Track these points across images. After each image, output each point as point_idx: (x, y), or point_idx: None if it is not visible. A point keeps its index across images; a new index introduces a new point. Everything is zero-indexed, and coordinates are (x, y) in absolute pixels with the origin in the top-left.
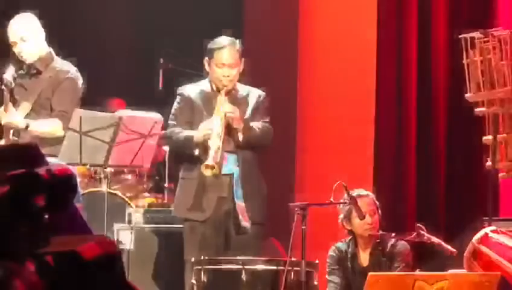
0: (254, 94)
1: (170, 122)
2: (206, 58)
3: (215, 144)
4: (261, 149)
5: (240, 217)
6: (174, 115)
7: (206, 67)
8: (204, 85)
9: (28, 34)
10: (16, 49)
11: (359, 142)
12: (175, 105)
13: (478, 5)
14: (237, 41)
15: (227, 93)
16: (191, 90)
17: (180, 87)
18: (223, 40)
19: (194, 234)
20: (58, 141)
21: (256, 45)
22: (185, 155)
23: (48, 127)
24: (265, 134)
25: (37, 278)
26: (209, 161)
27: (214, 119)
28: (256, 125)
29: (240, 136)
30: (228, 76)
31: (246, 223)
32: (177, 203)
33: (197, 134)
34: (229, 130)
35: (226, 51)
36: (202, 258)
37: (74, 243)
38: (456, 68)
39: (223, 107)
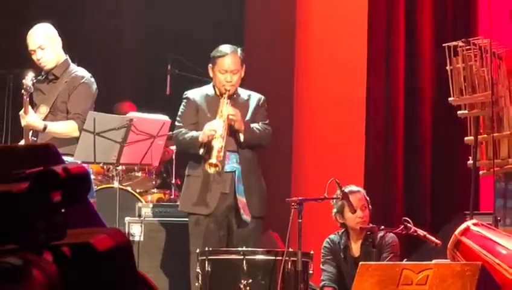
0: (255, 98)
1: (177, 123)
2: (210, 65)
3: (218, 144)
4: (260, 148)
5: (241, 211)
6: (181, 117)
7: (210, 73)
8: (208, 90)
9: (46, 42)
10: (34, 57)
11: (351, 143)
12: (181, 108)
13: (461, 15)
14: (239, 49)
15: (230, 97)
16: (196, 94)
17: (186, 92)
18: (225, 48)
19: (199, 227)
20: (73, 141)
21: (256, 53)
22: (191, 154)
23: (64, 128)
24: (265, 135)
25: (54, 267)
26: (213, 160)
27: (217, 121)
28: (256, 126)
29: (241, 137)
30: (230, 81)
31: (246, 217)
32: (183, 199)
33: (201, 135)
34: (231, 131)
35: (228, 58)
36: (206, 249)
37: (88, 235)
38: (440, 74)
39: (226, 109)
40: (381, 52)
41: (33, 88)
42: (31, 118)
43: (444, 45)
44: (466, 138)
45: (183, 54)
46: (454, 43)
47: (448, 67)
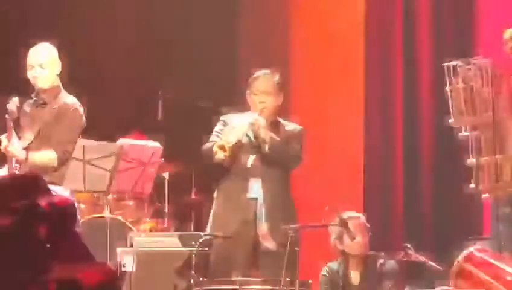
0: (292, 126)
1: (208, 141)
2: (248, 91)
3: (234, 137)
4: (287, 168)
5: (261, 239)
6: (213, 135)
7: (248, 99)
8: (245, 114)
9: (47, 62)
10: (30, 73)
11: (350, 168)
12: (216, 128)
13: (461, 33)
14: (276, 74)
15: (266, 121)
16: (232, 118)
17: (223, 116)
18: (259, 72)
19: (222, 253)
20: (53, 169)
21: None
22: (218, 178)
23: (42, 159)
24: (292, 155)
25: None
26: (222, 142)
27: (241, 123)
28: (285, 144)
29: (265, 147)
30: (264, 102)
31: (268, 244)
32: (210, 222)
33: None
34: (256, 140)
35: (260, 79)
36: (201, 279)
37: (75, 270)
38: (440, 95)
39: (251, 115)
40: (377, 79)
41: (21, 111)
42: (13, 147)
43: (443, 64)
44: (468, 161)
45: (175, 79)
46: (453, 63)
47: (447, 88)
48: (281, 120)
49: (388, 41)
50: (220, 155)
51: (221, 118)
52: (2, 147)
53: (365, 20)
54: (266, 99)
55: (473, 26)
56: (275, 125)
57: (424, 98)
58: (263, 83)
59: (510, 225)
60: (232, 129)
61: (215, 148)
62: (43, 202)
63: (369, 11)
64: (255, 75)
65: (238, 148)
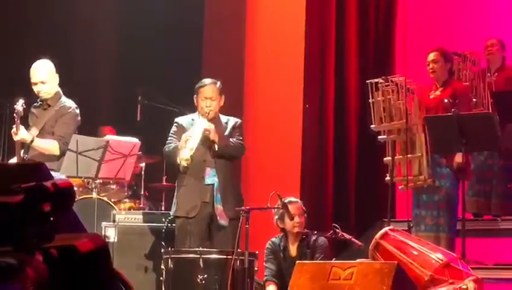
0: (232, 121)
1: (167, 142)
2: (195, 95)
3: (192, 144)
4: (234, 159)
5: (218, 217)
6: (170, 136)
7: (195, 102)
8: (193, 116)
9: (47, 78)
10: (36, 88)
11: (289, 161)
12: (171, 130)
13: (381, 57)
14: (218, 82)
15: (210, 120)
16: (183, 119)
17: (176, 118)
18: (206, 80)
19: (184, 229)
20: (56, 158)
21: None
22: (178, 169)
23: (47, 145)
24: (238, 147)
25: (44, 266)
26: (184, 155)
27: (194, 129)
28: (231, 140)
29: (216, 147)
30: (209, 106)
31: (223, 221)
32: (174, 206)
33: (180, 141)
34: (207, 142)
35: (207, 87)
36: (169, 249)
37: (73, 239)
38: (363, 105)
39: (202, 123)
40: (316, 89)
41: (29, 112)
42: (21, 132)
43: (367, 81)
44: (385, 159)
45: (152, 85)
46: (375, 80)
47: (370, 100)
48: (221, 116)
49: (324, 58)
50: (184, 164)
51: (176, 120)
52: (12, 135)
53: (305, 40)
54: (211, 103)
55: (391, 49)
56: (217, 123)
57: (352, 108)
58: (208, 90)
59: (426, 209)
60: (189, 137)
61: (179, 160)
62: (48, 183)
63: (308, 35)
64: (201, 83)
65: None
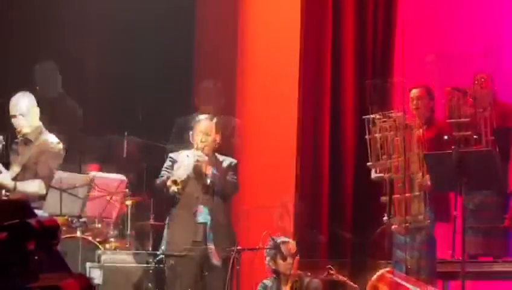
0: (228, 160)
1: (159, 176)
2: (191, 132)
3: (184, 173)
4: (226, 197)
5: (211, 256)
6: (163, 171)
7: (191, 139)
8: (189, 152)
9: (26, 111)
10: (14, 121)
11: (283, 195)
12: (165, 165)
13: (379, 67)
14: (214, 118)
15: (208, 158)
16: (178, 155)
17: (171, 153)
18: (201, 116)
19: (175, 269)
20: (40, 197)
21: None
22: (169, 206)
23: (31, 187)
24: (230, 185)
25: None
26: (175, 177)
27: (187, 159)
28: (223, 176)
29: (207, 180)
30: (204, 141)
31: (215, 261)
32: (165, 243)
33: (172, 170)
34: (200, 175)
35: (202, 122)
36: None
37: (58, 279)
38: (360, 142)
39: (195, 153)
40: (310, 128)
41: (9, 148)
42: (2, 177)
43: (363, 117)
44: (382, 198)
45: (139, 121)
46: (372, 116)
47: (367, 136)
48: (218, 155)
49: (319, 61)
50: (173, 189)
51: (170, 155)
52: None
53: (300, 44)
54: (206, 138)
55: (389, 60)
56: (213, 160)
57: (348, 144)
58: (204, 125)
59: (404, 251)
60: (181, 165)
61: (169, 183)
62: (33, 221)
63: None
64: (197, 119)
65: (186, 182)
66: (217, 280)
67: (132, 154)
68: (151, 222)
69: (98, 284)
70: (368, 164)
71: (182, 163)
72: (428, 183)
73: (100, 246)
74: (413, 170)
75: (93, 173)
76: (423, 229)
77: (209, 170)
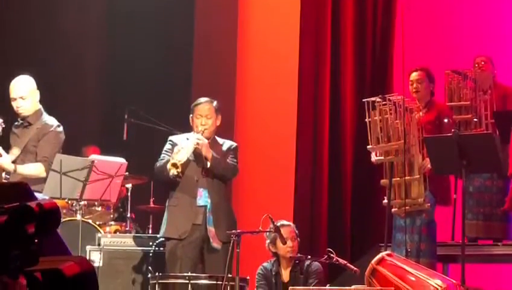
0: (228, 143)
1: (159, 159)
2: (191, 115)
3: (184, 156)
4: (226, 179)
5: (211, 240)
6: (163, 154)
7: (191, 122)
8: (189, 135)
9: (27, 94)
10: (14, 104)
11: (282, 183)
12: (165, 148)
13: (378, 74)
14: (214, 101)
15: (208, 141)
16: (178, 138)
17: (170, 136)
18: (201, 99)
19: (175, 252)
20: (40, 180)
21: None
22: (168, 188)
23: (32, 170)
24: (231, 167)
25: None
26: (174, 161)
27: (187, 141)
28: (223, 159)
29: (208, 164)
30: (204, 124)
31: (216, 245)
32: (164, 227)
33: (172, 154)
34: (200, 158)
35: (202, 105)
36: (156, 274)
37: (58, 262)
38: (360, 125)
39: (195, 136)
40: (310, 107)
41: (10, 132)
42: (3, 159)
43: (363, 100)
44: (382, 181)
45: (139, 104)
46: (372, 98)
47: (367, 120)
48: (218, 138)
49: (318, 78)
50: (173, 171)
51: (170, 138)
52: None
53: (299, 60)
54: (206, 122)
55: (388, 67)
56: (213, 143)
57: (347, 128)
58: (204, 108)
59: (404, 234)
60: (180, 148)
61: (169, 166)
62: (33, 204)
63: (302, 55)
64: (196, 102)
65: (187, 165)
66: (217, 262)
67: (132, 137)
68: (151, 205)
69: (98, 267)
70: (368, 147)
71: (182, 146)
72: (429, 166)
73: (100, 229)
74: (413, 153)
75: (93, 156)
76: (423, 212)
77: (209, 153)
